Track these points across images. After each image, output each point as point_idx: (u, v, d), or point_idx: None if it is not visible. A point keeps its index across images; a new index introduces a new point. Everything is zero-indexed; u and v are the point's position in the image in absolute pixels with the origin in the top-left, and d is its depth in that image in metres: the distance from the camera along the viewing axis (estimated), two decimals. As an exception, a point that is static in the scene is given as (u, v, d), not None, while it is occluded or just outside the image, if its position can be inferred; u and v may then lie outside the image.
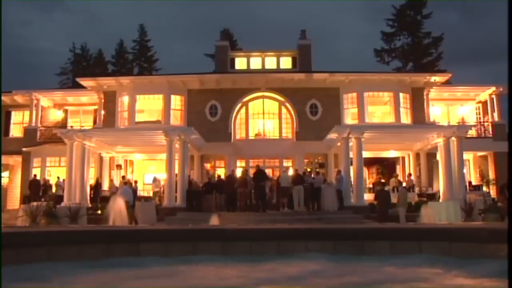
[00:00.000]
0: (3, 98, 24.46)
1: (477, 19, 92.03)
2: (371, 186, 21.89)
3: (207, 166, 23.52)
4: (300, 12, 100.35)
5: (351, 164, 18.35)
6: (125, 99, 23.34)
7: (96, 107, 24.45)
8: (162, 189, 19.94)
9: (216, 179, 19.03)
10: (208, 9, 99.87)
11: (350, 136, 18.27)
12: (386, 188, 17.59)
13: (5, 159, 23.99)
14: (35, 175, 21.49)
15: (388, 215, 15.10)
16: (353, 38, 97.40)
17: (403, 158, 23.55)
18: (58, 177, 21.20)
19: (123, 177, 21.18)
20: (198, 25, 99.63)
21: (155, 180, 21.35)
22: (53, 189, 20.76)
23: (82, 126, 24.22)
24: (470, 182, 22.70)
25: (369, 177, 24.25)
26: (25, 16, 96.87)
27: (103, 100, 23.73)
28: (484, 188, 21.62)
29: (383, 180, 20.71)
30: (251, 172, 19.79)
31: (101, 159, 22.67)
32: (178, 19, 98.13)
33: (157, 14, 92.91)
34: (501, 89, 23.57)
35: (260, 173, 17.47)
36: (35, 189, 19.91)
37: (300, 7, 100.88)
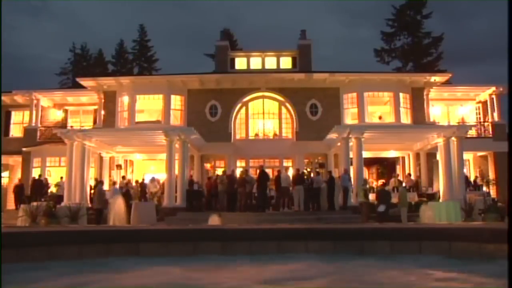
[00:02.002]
0: (3, 98, 24.45)
1: (457, 22, 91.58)
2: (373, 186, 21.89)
3: (207, 166, 23.52)
4: (273, 16, 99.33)
5: (351, 164, 18.34)
6: (125, 99, 23.33)
7: (96, 107, 24.43)
8: (160, 188, 19.91)
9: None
10: (206, 10, 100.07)
11: (350, 136, 18.27)
12: (386, 188, 17.59)
13: (5, 159, 23.98)
14: (40, 175, 21.47)
15: (389, 215, 15.08)
16: (329, 42, 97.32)
17: (403, 158, 23.55)
18: (62, 177, 21.20)
19: (123, 177, 21.18)
20: (198, 25, 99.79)
21: (153, 180, 21.34)
22: (53, 189, 20.71)
23: (82, 126, 24.21)
24: (470, 182, 22.66)
25: (369, 177, 24.24)
26: (12, 21, 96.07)
27: (103, 100, 23.72)
28: (484, 188, 21.61)
29: (383, 180, 20.75)
30: (251, 172, 19.83)
31: (101, 159, 22.66)
32: (178, 19, 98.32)
33: (157, 14, 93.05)
34: (501, 89, 23.57)
35: (264, 174, 17.52)
36: (37, 189, 19.89)
37: (273, 11, 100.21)
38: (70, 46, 47.56)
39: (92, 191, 19.76)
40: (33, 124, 24.35)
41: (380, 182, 20.97)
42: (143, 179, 21.11)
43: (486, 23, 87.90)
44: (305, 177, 18.41)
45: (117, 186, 18.46)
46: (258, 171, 18.33)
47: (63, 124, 24.89)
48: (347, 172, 17.90)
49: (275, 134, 23.75)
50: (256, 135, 23.89)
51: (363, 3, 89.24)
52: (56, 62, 56.85)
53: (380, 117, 23.74)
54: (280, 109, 23.71)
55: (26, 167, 23.26)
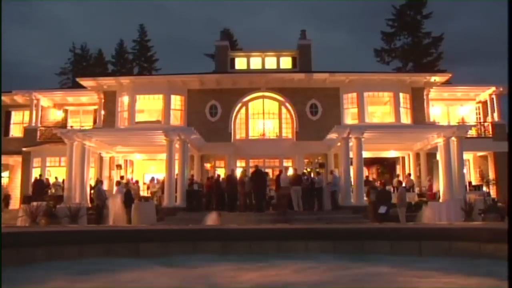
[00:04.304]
0: (3, 98, 24.45)
1: (457, 21, 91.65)
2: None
3: (207, 166, 23.51)
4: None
5: (351, 164, 18.35)
6: (125, 99, 23.33)
7: (96, 107, 24.43)
8: (160, 188, 19.92)
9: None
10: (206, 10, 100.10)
11: (350, 136, 18.27)
12: (387, 188, 17.60)
13: (5, 159, 23.97)
14: (40, 175, 21.49)
15: (389, 215, 15.08)
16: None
17: (403, 158, 23.54)
18: (56, 177, 21.24)
19: (122, 177, 21.17)
20: (198, 25, 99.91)
21: (153, 180, 21.36)
22: (52, 189, 20.73)
23: (82, 126, 24.20)
24: (470, 182, 22.68)
25: (369, 177, 24.21)
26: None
27: (103, 100, 23.71)
28: (484, 188, 21.60)
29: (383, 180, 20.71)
30: (251, 172, 19.81)
31: (101, 159, 22.66)
32: (177, 18, 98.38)
33: (156, 12, 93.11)
34: (501, 89, 23.56)
35: (258, 173, 17.48)
36: (38, 189, 19.90)
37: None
38: (70, 47, 47.58)
39: (92, 191, 19.80)
40: (33, 124, 24.33)
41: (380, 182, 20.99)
42: (136, 180, 21.18)
43: (486, 23, 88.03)
44: (305, 177, 18.43)
45: (121, 186, 18.41)
46: (253, 171, 18.29)
47: (63, 124, 24.88)
48: (332, 173, 18.06)
49: (276, 135, 23.75)
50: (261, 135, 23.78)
51: (335, 9, 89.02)
52: (46, 68, 56.71)
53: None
54: (280, 109, 23.70)
55: (26, 167, 23.25)
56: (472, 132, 22.01)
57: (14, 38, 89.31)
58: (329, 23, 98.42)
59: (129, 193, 16.77)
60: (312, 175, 19.62)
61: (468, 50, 75.38)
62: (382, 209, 15.04)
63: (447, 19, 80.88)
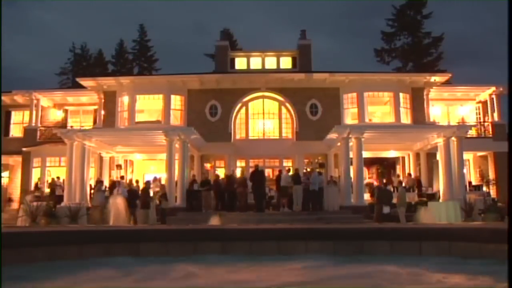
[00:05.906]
0: (3, 98, 24.44)
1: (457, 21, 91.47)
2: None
3: (207, 166, 23.50)
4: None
5: (351, 164, 18.35)
6: (125, 99, 23.32)
7: (96, 107, 24.43)
8: (161, 188, 19.89)
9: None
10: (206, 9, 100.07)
11: (350, 136, 18.27)
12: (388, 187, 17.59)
13: (5, 159, 23.96)
14: (58, 177, 21.51)
15: (390, 215, 15.08)
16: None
17: (403, 158, 23.53)
18: (58, 177, 21.24)
19: (122, 177, 21.15)
20: (198, 24, 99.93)
21: (155, 180, 21.32)
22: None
23: (82, 126, 24.20)
24: (470, 182, 22.68)
25: (369, 177, 24.21)
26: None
27: (103, 100, 23.71)
28: (484, 188, 21.60)
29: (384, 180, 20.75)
30: (250, 172, 19.81)
31: (101, 159, 22.66)
32: (177, 18, 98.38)
33: (156, 12, 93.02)
34: (501, 89, 23.55)
35: (258, 173, 17.45)
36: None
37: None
38: (70, 47, 47.56)
39: (92, 191, 19.82)
40: (33, 124, 24.32)
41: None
42: (137, 180, 21.18)
43: (486, 23, 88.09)
44: (306, 176, 18.41)
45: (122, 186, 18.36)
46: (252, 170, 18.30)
47: (63, 124, 24.87)
48: (313, 171, 18.00)
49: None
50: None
51: (316, 13, 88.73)
52: (42, 71, 56.59)
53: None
54: (280, 109, 23.70)
55: (26, 167, 23.25)
56: (472, 132, 22.01)
57: (7, 42, 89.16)
58: (312, 26, 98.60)
59: (133, 193, 16.66)
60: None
61: (468, 50, 75.40)
62: (386, 210, 15.04)
63: (447, 19, 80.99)
